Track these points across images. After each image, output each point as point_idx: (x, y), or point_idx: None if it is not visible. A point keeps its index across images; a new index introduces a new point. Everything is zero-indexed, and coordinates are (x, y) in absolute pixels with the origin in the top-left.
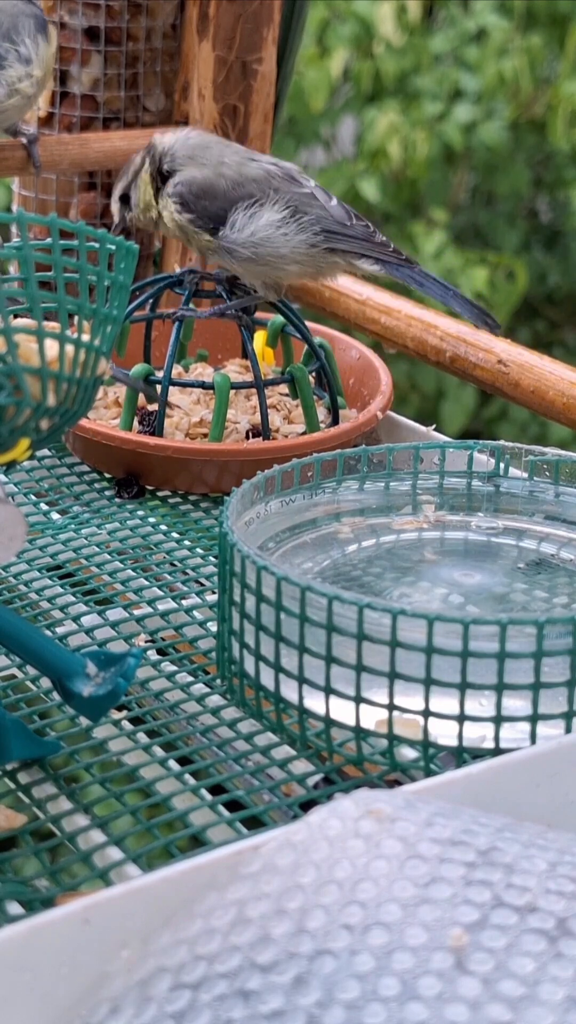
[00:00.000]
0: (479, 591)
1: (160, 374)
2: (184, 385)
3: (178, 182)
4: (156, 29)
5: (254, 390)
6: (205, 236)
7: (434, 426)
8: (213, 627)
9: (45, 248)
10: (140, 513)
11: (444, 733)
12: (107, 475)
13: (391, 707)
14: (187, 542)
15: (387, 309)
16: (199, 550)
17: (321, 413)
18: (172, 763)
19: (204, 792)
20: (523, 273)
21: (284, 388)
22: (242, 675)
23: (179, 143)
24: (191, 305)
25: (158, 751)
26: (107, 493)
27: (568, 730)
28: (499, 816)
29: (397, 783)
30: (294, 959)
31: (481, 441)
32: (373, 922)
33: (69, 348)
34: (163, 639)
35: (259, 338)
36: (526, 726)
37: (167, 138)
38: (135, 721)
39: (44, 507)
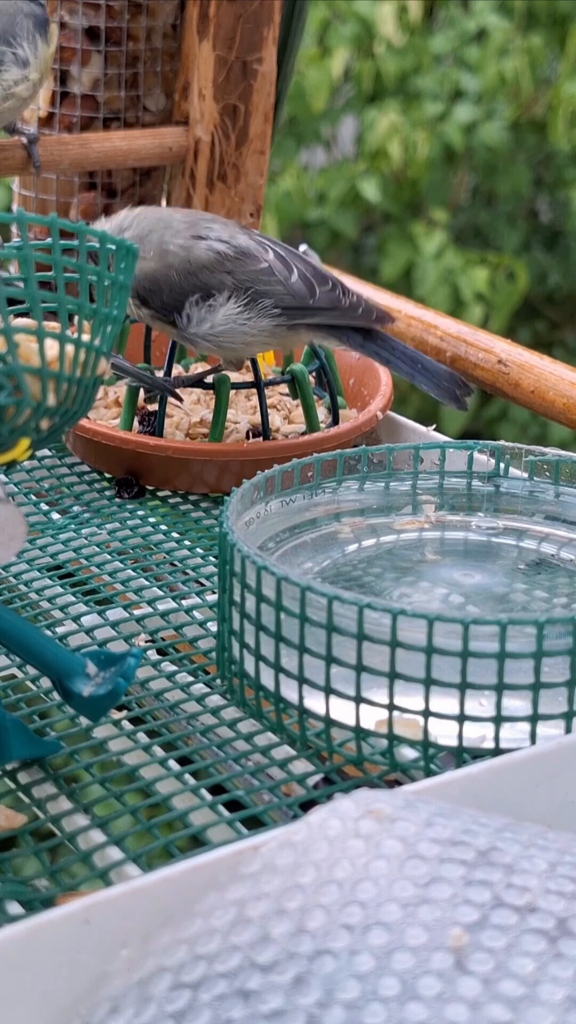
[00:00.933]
0: (479, 591)
1: (160, 374)
2: (185, 385)
3: None
4: (156, 29)
5: (254, 390)
6: (167, 327)
7: (434, 426)
8: (213, 627)
9: (45, 248)
10: (140, 513)
11: (444, 733)
12: (107, 475)
13: (391, 707)
14: (187, 542)
15: (387, 309)
16: (199, 550)
17: (321, 413)
18: (172, 763)
19: (204, 792)
20: (523, 273)
21: (284, 388)
22: (242, 675)
23: (116, 233)
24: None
25: (158, 751)
26: (107, 493)
27: (568, 730)
28: (499, 816)
29: (397, 783)
30: (294, 959)
31: (481, 441)
32: (373, 922)
33: (69, 348)
34: (163, 639)
35: None
36: (526, 726)
37: (105, 228)
38: (135, 721)
39: (44, 507)
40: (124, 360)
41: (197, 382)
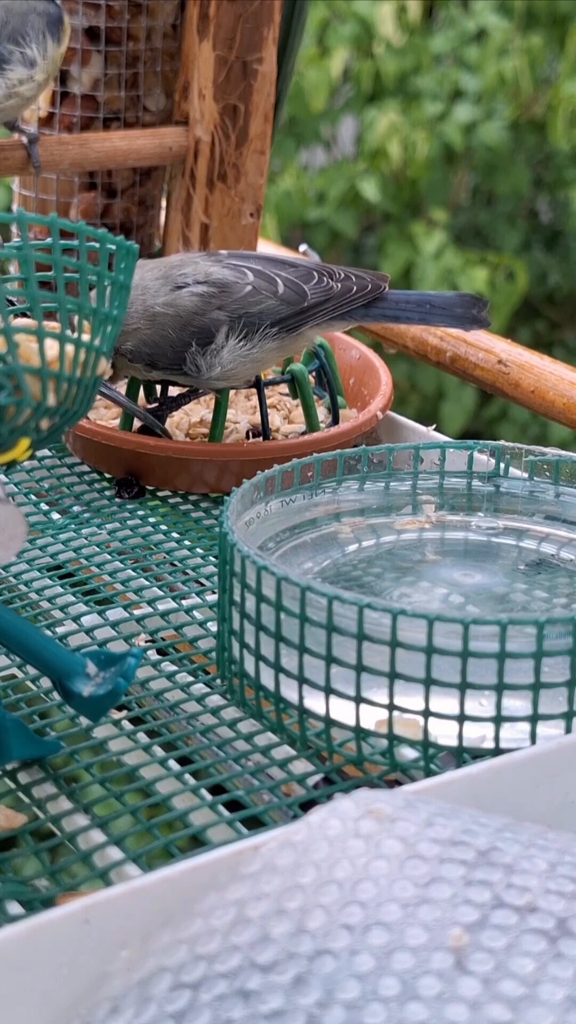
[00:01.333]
0: (479, 591)
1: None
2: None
3: (130, 350)
4: (156, 29)
5: (254, 390)
6: (182, 377)
7: (434, 426)
8: (213, 627)
9: (45, 248)
10: (140, 513)
11: (444, 733)
12: (107, 475)
13: (391, 707)
14: (187, 542)
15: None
16: (199, 550)
17: (321, 413)
18: (172, 763)
19: (204, 792)
20: (523, 273)
21: (284, 388)
22: (242, 675)
23: None
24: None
25: (158, 751)
26: (107, 493)
27: (568, 730)
28: (499, 816)
29: (397, 783)
30: (294, 959)
31: (481, 441)
32: (373, 922)
33: (69, 348)
34: (163, 639)
35: None
36: (526, 726)
37: None
38: (135, 721)
39: (44, 507)
40: (116, 391)
41: (190, 395)
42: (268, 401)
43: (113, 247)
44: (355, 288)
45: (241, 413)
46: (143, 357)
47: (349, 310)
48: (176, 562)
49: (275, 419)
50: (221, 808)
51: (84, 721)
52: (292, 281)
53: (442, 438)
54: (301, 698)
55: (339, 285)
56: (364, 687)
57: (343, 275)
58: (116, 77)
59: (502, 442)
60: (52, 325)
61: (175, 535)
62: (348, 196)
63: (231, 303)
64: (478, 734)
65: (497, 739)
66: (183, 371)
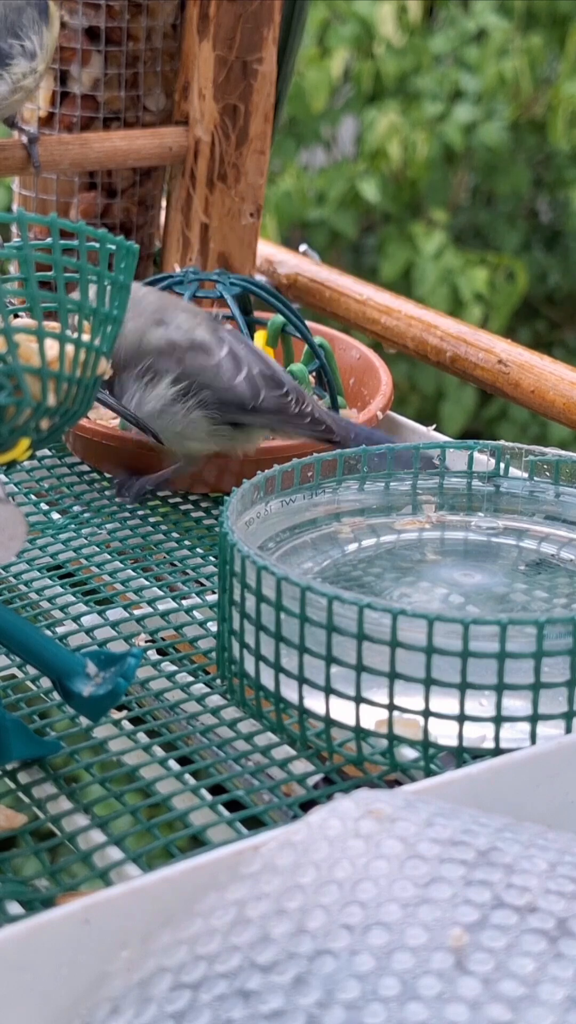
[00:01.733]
0: (479, 591)
1: None
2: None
3: None
4: (156, 29)
5: None
6: (108, 398)
7: (434, 426)
8: (213, 627)
9: (45, 248)
10: (140, 513)
11: (444, 733)
12: (107, 475)
13: (391, 707)
14: (187, 542)
15: (387, 309)
16: (199, 550)
17: None
18: (172, 763)
19: (204, 792)
20: (523, 273)
21: None
22: (242, 675)
23: None
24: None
25: (158, 751)
26: (107, 493)
27: (568, 730)
28: (499, 816)
29: (397, 783)
30: (294, 959)
31: (481, 441)
32: (373, 922)
33: (69, 348)
34: (163, 639)
35: (259, 338)
36: (526, 726)
37: None
38: (135, 721)
39: (44, 507)
40: (108, 395)
41: (161, 482)
42: None
43: (113, 247)
44: (308, 422)
45: None
46: None
47: (298, 431)
48: (176, 562)
49: None
50: (221, 808)
51: (84, 721)
52: (254, 379)
53: (442, 438)
54: (301, 698)
55: (297, 409)
56: (364, 687)
57: (310, 408)
58: (116, 77)
59: (502, 442)
60: (52, 325)
61: (175, 535)
62: (348, 196)
63: (190, 363)
64: (478, 734)
65: (497, 739)
66: (109, 390)
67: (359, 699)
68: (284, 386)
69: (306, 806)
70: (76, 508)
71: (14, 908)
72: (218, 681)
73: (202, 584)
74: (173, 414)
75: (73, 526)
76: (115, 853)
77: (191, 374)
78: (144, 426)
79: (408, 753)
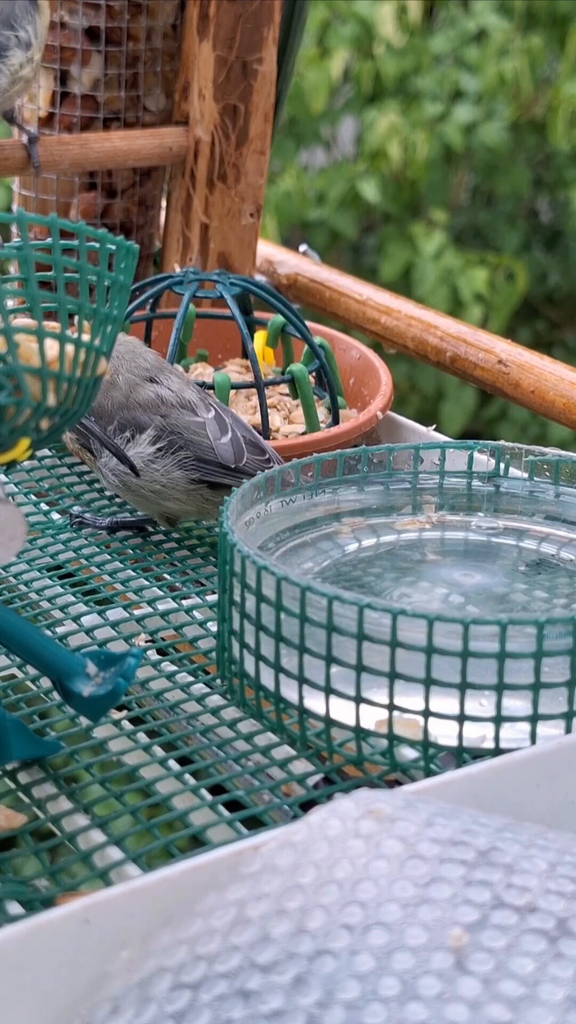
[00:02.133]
0: (479, 591)
1: None
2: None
3: None
4: (156, 29)
5: (254, 390)
6: (87, 454)
7: (434, 426)
8: (213, 627)
9: (45, 248)
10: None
11: (444, 733)
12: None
13: (391, 707)
14: (187, 542)
15: (387, 309)
16: (199, 550)
17: (321, 413)
18: (172, 763)
19: (204, 792)
20: (523, 274)
21: (284, 388)
22: (242, 675)
23: None
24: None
25: (158, 751)
26: (107, 493)
27: (568, 730)
28: (499, 816)
29: (397, 783)
30: (294, 959)
31: (481, 441)
32: (373, 922)
33: (69, 348)
34: (163, 639)
35: (259, 338)
36: (526, 726)
37: None
38: (135, 721)
39: (44, 507)
40: (93, 423)
41: (136, 524)
42: (268, 401)
43: (113, 247)
44: None
45: (241, 413)
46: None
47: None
48: (176, 562)
49: (275, 419)
50: (221, 808)
51: (84, 721)
52: (239, 442)
53: (442, 438)
54: (301, 698)
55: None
56: (364, 687)
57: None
58: (116, 77)
59: (502, 442)
60: (52, 325)
61: (175, 535)
62: (348, 196)
63: (174, 419)
64: (478, 734)
65: (497, 739)
66: (90, 447)
67: (359, 699)
68: (266, 453)
69: (306, 806)
70: (76, 508)
71: (14, 908)
72: (218, 681)
73: (202, 584)
74: (153, 471)
75: (73, 526)
76: (115, 853)
77: (175, 430)
78: (124, 457)
79: (408, 753)
